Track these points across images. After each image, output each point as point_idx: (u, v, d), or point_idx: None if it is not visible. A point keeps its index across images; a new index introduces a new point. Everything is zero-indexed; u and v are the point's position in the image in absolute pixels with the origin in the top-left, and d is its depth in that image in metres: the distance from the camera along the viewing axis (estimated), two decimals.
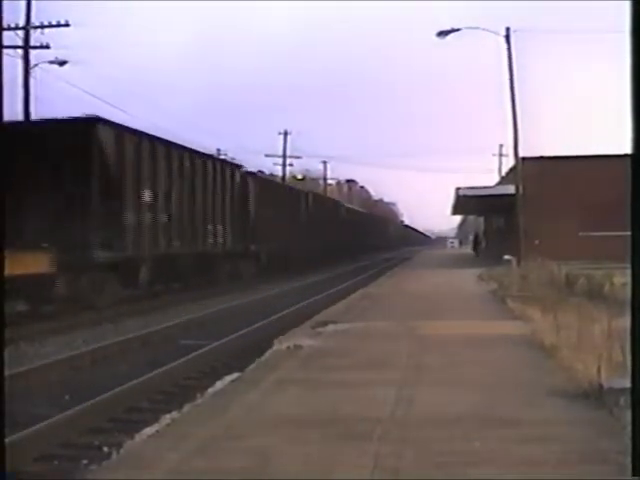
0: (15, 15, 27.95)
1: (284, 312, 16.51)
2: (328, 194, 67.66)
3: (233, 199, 25.85)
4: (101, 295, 16.93)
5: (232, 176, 26.13)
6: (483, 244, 52.36)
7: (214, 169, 24.34)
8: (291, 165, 65.96)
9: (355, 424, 5.29)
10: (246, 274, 27.14)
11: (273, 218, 30.15)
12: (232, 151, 69.93)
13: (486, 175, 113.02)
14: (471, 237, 74.49)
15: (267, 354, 9.01)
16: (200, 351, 11.00)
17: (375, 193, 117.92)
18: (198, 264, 22.59)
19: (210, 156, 24.91)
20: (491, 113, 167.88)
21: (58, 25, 29.27)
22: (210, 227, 23.31)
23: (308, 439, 4.96)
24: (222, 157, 46.56)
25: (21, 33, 28.67)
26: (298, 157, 66.76)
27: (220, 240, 24.17)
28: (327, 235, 42.41)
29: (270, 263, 29.86)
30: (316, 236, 39.01)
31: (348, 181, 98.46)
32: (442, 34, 28.72)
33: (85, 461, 5.93)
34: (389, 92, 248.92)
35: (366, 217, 66.42)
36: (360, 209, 68.86)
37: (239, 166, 28.00)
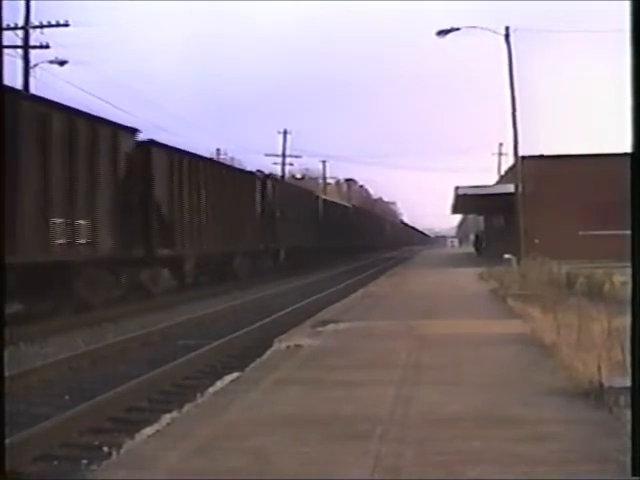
0: (15, 15, 28.00)
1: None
2: (327, 193, 67.32)
3: (116, 179, 16.91)
4: None
5: (114, 143, 16.84)
6: (484, 243, 52.35)
7: (70, 127, 15.11)
8: (291, 164, 66.11)
9: (355, 424, 5.29)
10: (158, 289, 19.56)
11: (206, 211, 22.07)
12: (232, 151, 70.06)
13: (485, 174, 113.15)
14: (471, 236, 74.54)
15: (267, 353, 9.01)
16: None
17: (374, 192, 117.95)
18: (34, 279, 14.09)
19: (61, 105, 15.09)
20: (491, 112, 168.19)
21: (58, 25, 29.32)
22: (60, 221, 14.71)
23: (308, 439, 4.96)
24: (219, 157, 45.99)
25: (20, 33, 28.72)
26: (298, 156, 67.02)
27: (82, 241, 15.41)
28: (297, 234, 34.03)
29: (201, 273, 22.50)
30: (280, 235, 30.86)
31: (347, 180, 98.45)
32: (442, 33, 28.73)
33: (85, 461, 5.93)
34: (389, 91, 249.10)
35: (354, 213, 57.54)
36: (346, 203, 60.14)
37: (131, 130, 18.12)
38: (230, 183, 25.10)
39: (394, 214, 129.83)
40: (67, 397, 8.45)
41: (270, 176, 32.84)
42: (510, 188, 30.34)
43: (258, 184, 29.32)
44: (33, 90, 27.46)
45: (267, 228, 29.35)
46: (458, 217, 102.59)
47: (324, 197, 47.52)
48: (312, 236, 37.92)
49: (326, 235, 41.62)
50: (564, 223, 29.97)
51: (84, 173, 15.69)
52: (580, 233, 30.06)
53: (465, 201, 39.54)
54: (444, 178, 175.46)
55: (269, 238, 29.52)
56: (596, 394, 5.75)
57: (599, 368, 5.97)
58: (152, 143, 19.27)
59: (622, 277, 13.21)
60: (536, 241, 28.06)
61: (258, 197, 29.01)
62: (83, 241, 15.69)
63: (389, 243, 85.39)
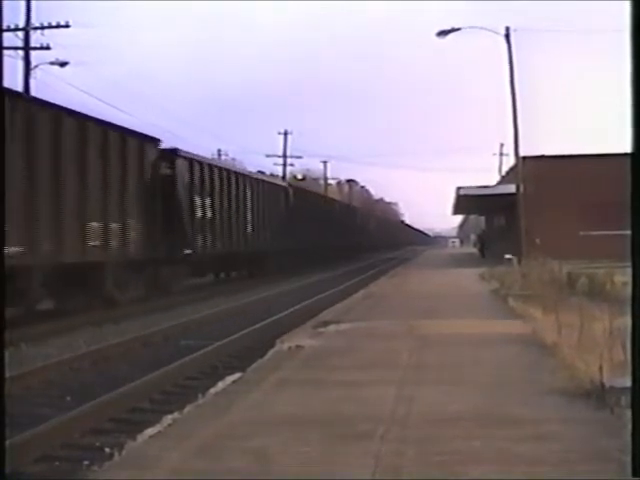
0: (15, 16, 28.02)
1: None
2: (328, 194, 67.11)
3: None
4: None
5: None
6: (486, 244, 52.15)
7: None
8: (292, 165, 65.93)
9: (356, 423, 5.29)
10: None
11: None
12: (233, 151, 69.98)
13: (487, 174, 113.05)
14: (472, 236, 74.33)
15: (269, 354, 9.01)
16: None
17: (376, 193, 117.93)
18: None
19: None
20: (491, 112, 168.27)
21: (58, 26, 29.31)
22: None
23: (309, 439, 4.96)
24: (223, 158, 45.74)
25: (21, 34, 28.74)
26: (299, 157, 66.83)
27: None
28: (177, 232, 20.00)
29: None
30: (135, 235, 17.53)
31: (349, 181, 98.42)
32: (442, 34, 28.72)
33: (87, 462, 5.92)
34: (390, 91, 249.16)
35: (296, 198, 35.00)
36: (279, 182, 38.07)
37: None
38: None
39: (395, 214, 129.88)
40: (68, 398, 8.45)
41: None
42: (511, 188, 30.35)
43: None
44: (33, 91, 27.51)
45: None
46: (459, 217, 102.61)
47: (216, 164, 26.55)
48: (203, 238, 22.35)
49: (229, 235, 24.72)
50: (565, 223, 29.97)
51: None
52: (581, 233, 30.06)
53: (466, 201, 39.56)
54: (445, 178, 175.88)
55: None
56: (597, 394, 5.74)
57: (600, 368, 5.96)
58: None
59: (623, 277, 13.20)
60: (537, 241, 28.04)
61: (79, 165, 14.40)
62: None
63: (376, 244, 69.07)
